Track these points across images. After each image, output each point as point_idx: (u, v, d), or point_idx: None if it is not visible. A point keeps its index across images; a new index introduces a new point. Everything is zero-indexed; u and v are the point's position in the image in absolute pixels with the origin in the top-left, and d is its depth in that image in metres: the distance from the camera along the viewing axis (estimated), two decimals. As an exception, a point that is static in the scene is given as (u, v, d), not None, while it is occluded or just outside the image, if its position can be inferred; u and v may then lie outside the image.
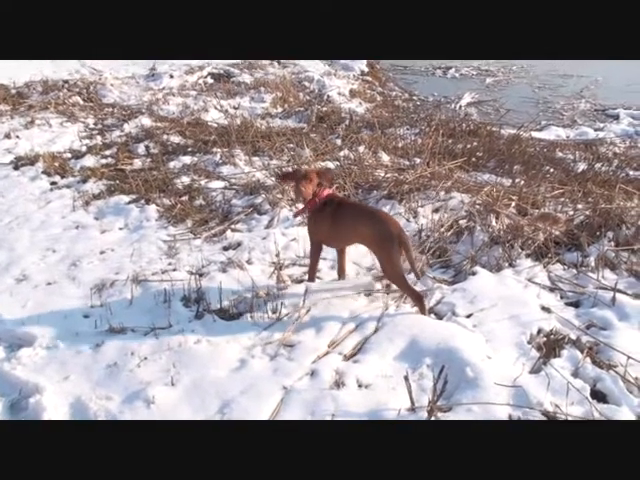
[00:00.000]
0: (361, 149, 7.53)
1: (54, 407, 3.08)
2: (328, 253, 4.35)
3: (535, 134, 9.63)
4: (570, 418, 2.86)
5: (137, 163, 7.29)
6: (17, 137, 8.24)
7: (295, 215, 4.33)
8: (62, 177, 6.86)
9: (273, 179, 6.38)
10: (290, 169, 4.34)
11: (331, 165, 6.85)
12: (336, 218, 3.87)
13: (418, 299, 3.75)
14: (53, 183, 6.71)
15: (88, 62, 12.89)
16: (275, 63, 14.12)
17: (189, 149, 7.73)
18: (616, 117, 11.41)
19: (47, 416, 3.01)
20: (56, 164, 7.16)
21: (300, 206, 4.24)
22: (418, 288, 3.95)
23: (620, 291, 3.97)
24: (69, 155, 7.64)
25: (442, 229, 4.94)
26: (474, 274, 4.28)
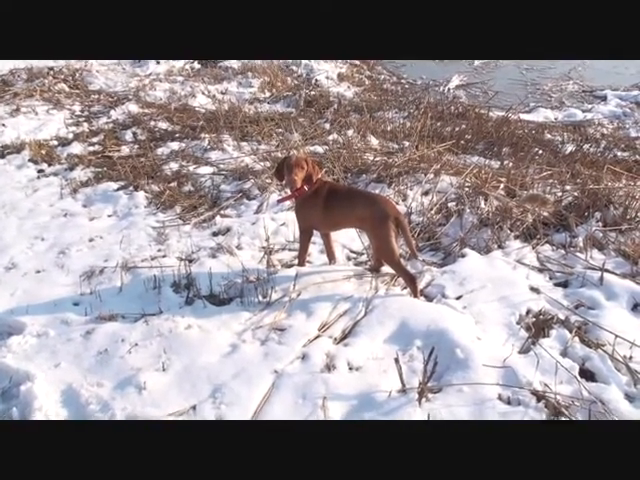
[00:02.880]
0: (350, 133, 7.51)
1: (45, 394, 3.07)
2: (318, 237, 4.34)
3: (524, 116, 9.60)
4: (559, 397, 2.89)
5: (125, 150, 7.23)
6: (3, 125, 8.13)
7: (280, 201, 4.30)
8: (49, 165, 6.80)
9: (262, 164, 6.36)
10: (282, 158, 4.29)
11: (320, 149, 6.83)
12: (330, 202, 3.86)
13: (411, 281, 3.77)
14: (40, 171, 6.65)
15: (73, 48, 12.70)
16: (262, 47, 13.99)
17: (177, 135, 7.67)
18: (604, 98, 11.40)
19: (38, 404, 3.00)
20: (43, 152, 7.09)
21: (287, 192, 4.22)
22: (410, 270, 3.96)
23: (608, 271, 4.00)
24: (56, 142, 7.56)
25: (431, 212, 4.95)
26: (463, 256, 4.29)
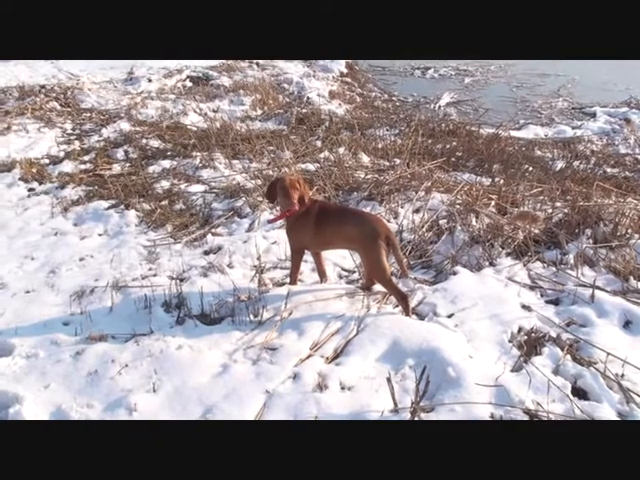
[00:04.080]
0: (341, 150, 7.54)
1: (34, 416, 3.04)
2: (310, 255, 4.35)
3: (514, 133, 9.70)
4: (552, 416, 2.88)
5: (116, 168, 7.23)
6: (-7, 143, 8.13)
7: (271, 221, 4.31)
8: (40, 183, 6.79)
9: (253, 182, 6.37)
10: (273, 179, 4.32)
11: (311, 167, 6.86)
12: (321, 222, 3.87)
13: (403, 299, 3.76)
14: (31, 189, 6.64)
15: (65, 67, 12.74)
16: (254, 65, 14.09)
17: (168, 153, 7.69)
18: (593, 115, 11.53)
19: (27, 426, 2.96)
20: (34, 170, 7.08)
21: (278, 211, 4.22)
22: (401, 289, 3.97)
23: (599, 288, 4.01)
24: (47, 161, 7.55)
25: (423, 229, 4.96)
26: (455, 274, 4.30)
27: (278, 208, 4.17)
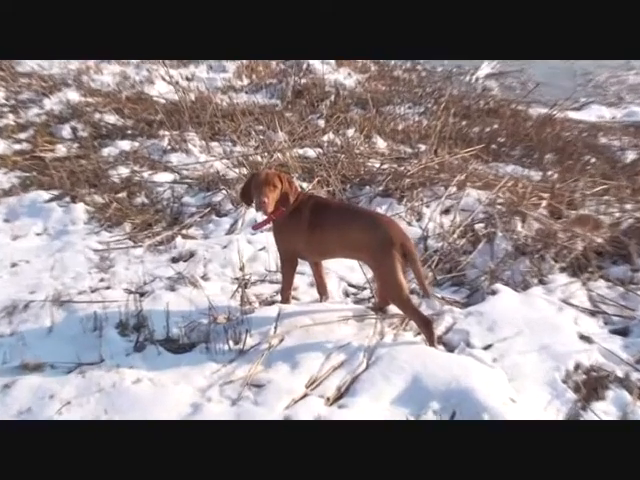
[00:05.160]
0: (350, 133, 7.55)
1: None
2: (307, 266, 4.34)
3: (572, 114, 9.70)
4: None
5: (61, 149, 7.24)
6: None
7: (256, 228, 4.29)
8: (-38, 167, 6.79)
9: (237, 171, 6.37)
10: (249, 176, 4.33)
11: (311, 153, 6.86)
12: (316, 222, 3.85)
13: (426, 325, 3.74)
14: (-51, 175, 6.64)
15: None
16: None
17: (128, 132, 7.70)
18: (675, 93, 11.54)
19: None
20: (-46, 150, 7.09)
21: (262, 217, 4.21)
22: (424, 311, 3.96)
23: (680, 315, 4.02)
24: (-30, 139, 7.57)
25: (453, 235, 4.96)
26: (494, 293, 4.30)
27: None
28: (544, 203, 5.33)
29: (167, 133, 7.44)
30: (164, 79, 10.03)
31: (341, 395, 3.44)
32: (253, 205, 3.93)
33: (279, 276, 4.38)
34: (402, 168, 6.05)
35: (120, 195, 6.04)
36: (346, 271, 4.63)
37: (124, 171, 6.57)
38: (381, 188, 5.79)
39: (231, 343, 3.81)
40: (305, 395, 3.43)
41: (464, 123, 8.33)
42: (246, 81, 10.48)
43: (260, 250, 5.00)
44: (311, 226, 3.86)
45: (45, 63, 10.60)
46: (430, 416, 3.24)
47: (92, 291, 4.49)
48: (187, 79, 10.41)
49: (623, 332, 3.99)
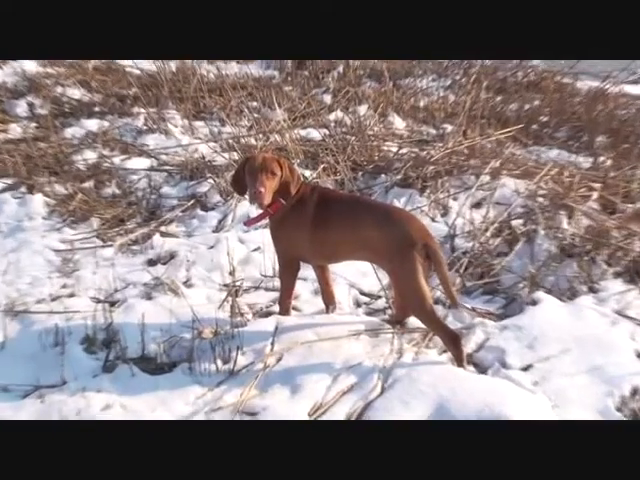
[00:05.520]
0: (362, 110, 7.54)
1: None
2: (309, 269, 4.33)
3: (628, 88, 9.66)
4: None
5: (15, 130, 7.24)
6: None
7: (248, 224, 4.28)
8: None
9: (226, 156, 6.36)
10: (241, 160, 4.33)
11: (316, 134, 6.85)
12: (323, 219, 3.85)
13: (453, 341, 3.72)
14: None
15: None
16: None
17: (96, 109, 7.71)
18: None
19: None
20: None
21: (257, 211, 4.19)
22: (451, 324, 3.95)
23: None
24: None
25: (486, 234, 4.95)
26: (535, 303, 4.28)
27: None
28: (595, 195, 5.32)
29: (143, 110, 7.45)
30: (139, 46, 10.04)
31: (351, 425, 3.45)
32: (246, 196, 3.92)
33: (277, 282, 4.37)
34: (424, 153, 6.04)
35: (86, 185, 6.04)
36: (357, 276, 4.63)
37: (91, 156, 6.57)
38: (399, 177, 5.78)
39: (219, 362, 3.80)
40: (308, 425, 3.43)
41: (499, 99, 8.32)
42: (237, 48, 10.48)
43: (254, 251, 5.01)
44: (316, 223, 3.85)
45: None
46: (458, 451, 3.24)
47: (53, 299, 4.48)
48: (167, 46, 10.42)
49: (691, 351, 3.98)
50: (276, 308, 4.29)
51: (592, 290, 4.46)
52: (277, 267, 4.21)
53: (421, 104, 8.12)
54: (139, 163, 6.45)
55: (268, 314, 4.30)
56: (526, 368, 3.76)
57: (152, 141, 6.89)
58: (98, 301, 4.43)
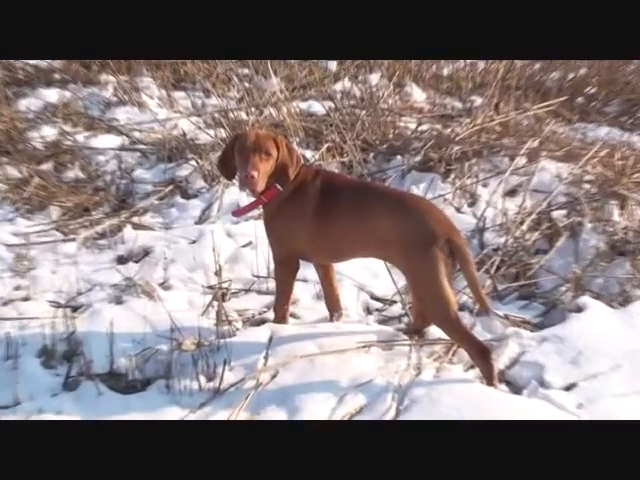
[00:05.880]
0: (374, 79, 7.54)
1: None
2: (310, 269, 4.34)
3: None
4: None
5: (-45, 101, 7.26)
6: None
7: (237, 214, 4.29)
8: None
9: (212, 133, 6.37)
10: (231, 138, 4.35)
11: (319, 108, 6.85)
12: (327, 209, 3.85)
13: (482, 355, 3.71)
14: None
15: None
16: None
17: (56, 76, 7.70)
18: None
19: None
20: None
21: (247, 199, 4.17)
22: (479, 335, 3.95)
23: None
24: None
25: (522, 227, 4.95)
26: (579, 310, 4.29)
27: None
28: (652, 181, 5.32)
29: (112, 78, 7.47)
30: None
31: (360, 454, 3.45)
32: (236, 181, 3.91)
33: (272, 284, 4.38)
34: (449, 130, 6.06)
35: (44, 167, 6.05)
36: (368, 277, 4.64)
37: (50, 133, 6.59)
38: (418, 159, 5.79)
39: (202, 379, 3.80)
40: (308, 454, 3.44)
41: (537, 67, 8.32)
42: (225, 4, 10.50)
43: (245, 247, 5.02)
44: (318, 213, 3.85)
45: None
46: (487, 485, 3.25)
47: (4, 304, 4.50)
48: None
49: None
50: (271, 315, 4.30)
51: (648, 295, 4.47)
52: (272, 266, 4.22)
53: (445, 72, 8.13)
54: (107, 141, 6.46)
55: (261, 322, 4.32)
56: (569, 387, 3.75)
57: (123, 115, 6.90)
58: (58, 306, 4.45)
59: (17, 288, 4.68)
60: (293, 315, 4.33)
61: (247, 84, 7.45)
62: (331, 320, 4.27)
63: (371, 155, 6.02)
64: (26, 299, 4.56)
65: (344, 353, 3.92)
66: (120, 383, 3.85)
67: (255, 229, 5.03)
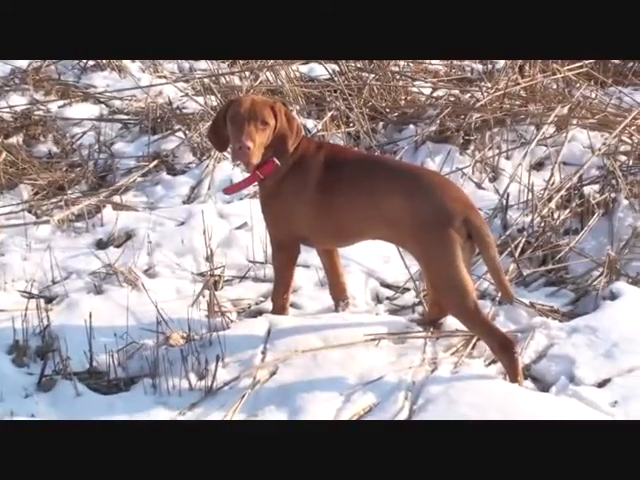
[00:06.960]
0: (384, 39, 7.55)
1: None
2: (313, 254, 4.35)
3: None
4: None
5: None
6: None
7: (229, 192, 4.29)
8: None
9: (201, 101, 6.38)
10: (224, 104, 4.37)
11: (321, 72, 6.85)
12: (331, 186, 3.85)
13: (504, 349, 3.70)
14: None
15: None
16: None
17: (27, 38, 7.71)
18: None
19: None
20: None
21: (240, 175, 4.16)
22: (502, 326, 3.97)
23: None
24: None
25: (550, 205, 4.96)
26: (614, 298, 4.31)
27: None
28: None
29: (88, 40, 7.45)
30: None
31: (369, 459, 3.48)
32: (228, 153, 3.91)
33: (270, 271, 4.40)
34: (467, 96, 6.06)
35: (13, 140, 6.06)
36: (377, 262, 4.66)
37: (19, 101, 6.59)
38: (433, 128, 5.80)
39: (193, 378, 3.82)
40: (312, 459, 3.47)
41: (567, 22, 8.31)
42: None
43: (239, 228, 5.03)
44: (321, 190, 3.85)
45: None
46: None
47: (-29, 295, 4.52)
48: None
49: None
50: (269, 305, 4.32)
51: (691, 280, 4.49)
52: (270, 250, 4.24)
53: (463, 30, 8.13)
54: (84, 111, 6.47)
55: (258, 313, 4.34)
56: (602, 384, 3.77)
57: (101, 81, 6.92)
58: (30, 296, 4.47)
59: (-16, 277, 4.71)
60: (294, 305, 4.35)
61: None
62: (336, 310, 4.29)
63: (380, 125, 6.02)
64: (-6, 289, 4.59)
65: (351, 347, 3.94)
66: (101, 382, 3.87)
67: (250, 209, 5.03)
